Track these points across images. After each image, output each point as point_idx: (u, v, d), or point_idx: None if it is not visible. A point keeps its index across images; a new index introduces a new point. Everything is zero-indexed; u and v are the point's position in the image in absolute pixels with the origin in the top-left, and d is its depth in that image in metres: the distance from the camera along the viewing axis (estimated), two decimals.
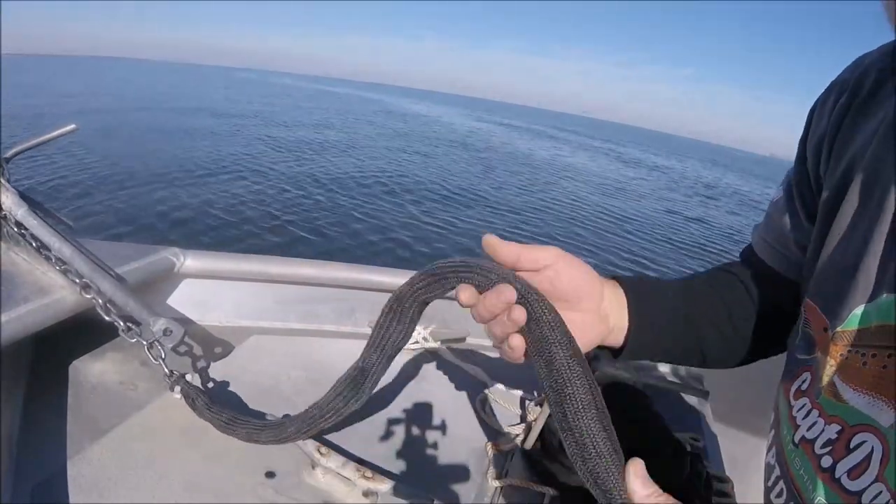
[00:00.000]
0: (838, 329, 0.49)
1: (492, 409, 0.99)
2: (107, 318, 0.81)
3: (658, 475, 0.40)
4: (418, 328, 1.17)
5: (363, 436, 0.89)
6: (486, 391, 1.04)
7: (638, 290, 0.62)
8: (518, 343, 0.47)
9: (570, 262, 0.53)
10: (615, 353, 0.62)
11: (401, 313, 0.56)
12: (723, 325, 0.64)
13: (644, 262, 7.56)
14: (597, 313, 0.56)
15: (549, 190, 11.90)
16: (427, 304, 0.55)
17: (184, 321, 1.08)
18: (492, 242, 0.51)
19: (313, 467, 0.78)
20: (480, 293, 0.48)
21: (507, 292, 0.46)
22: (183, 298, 1.11)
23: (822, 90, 0.59)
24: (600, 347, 0.60)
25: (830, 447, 0.48)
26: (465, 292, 0.48)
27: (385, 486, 0.76)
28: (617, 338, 0.60)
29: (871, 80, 0.52)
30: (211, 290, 1.13)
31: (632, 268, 7.13)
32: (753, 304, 0.65)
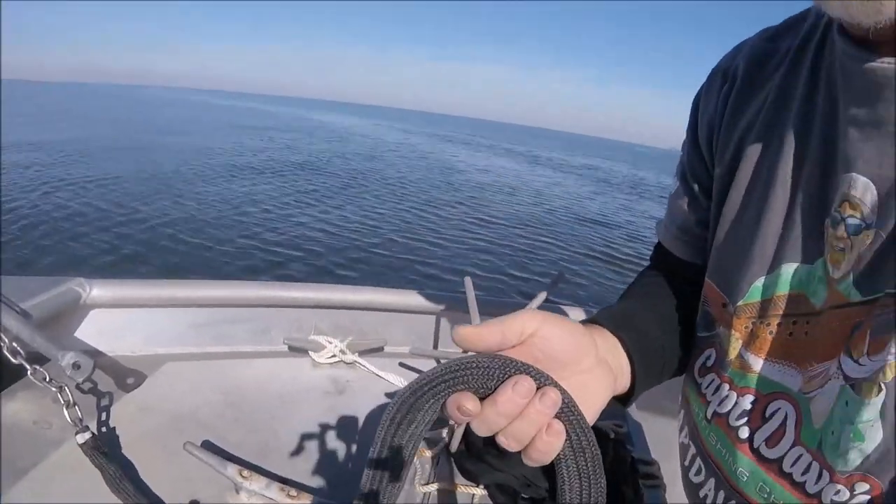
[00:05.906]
0: (740, 303, 0.50)
1: None
2: (14, 360, 0.80)
3: None
4: (334, 341, 1.20)
5: (284, 454, 0.91)
6: None
7: (622, 326, 0.54)
8: (560, 429, 0.39)
9: (553, 322, 0.42)
10: (623, 399, 0.53)
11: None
12: (679, 338, 0.60)
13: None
14: (599, 366, 0.46)
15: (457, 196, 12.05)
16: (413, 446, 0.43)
17: (93, 353, 1.06)
18: (468, 334, 0.40)
19: (237, 491, 0.79)
20: (479, 397, 0.39)
21: (524, 382, 0.38)
22: (92, 329, 1.09)
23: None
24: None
25: (746, 417, 0.49)
26: (468, 402, 0.38)
27: (310, 502, 0.78)
28: (622, 383, 0.51)
29: (755, 62, 0.54)
30: (120, 318, 1.12)
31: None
32: (682, 306, 0.62)
